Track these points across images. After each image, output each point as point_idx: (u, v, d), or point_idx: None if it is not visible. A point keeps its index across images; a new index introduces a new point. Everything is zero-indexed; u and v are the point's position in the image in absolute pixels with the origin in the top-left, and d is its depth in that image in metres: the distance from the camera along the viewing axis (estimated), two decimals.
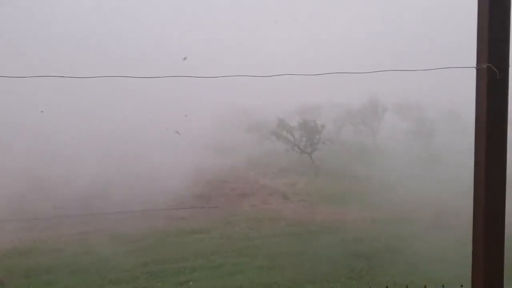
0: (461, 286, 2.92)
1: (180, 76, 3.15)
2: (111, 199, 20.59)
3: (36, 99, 29.23)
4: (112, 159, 28.57)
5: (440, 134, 35.96)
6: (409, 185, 23.05)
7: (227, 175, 26.25)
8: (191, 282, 11.15)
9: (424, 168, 27.16)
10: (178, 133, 24.19)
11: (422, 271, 11.38)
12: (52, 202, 19.65)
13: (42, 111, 24.38)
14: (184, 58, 24.65)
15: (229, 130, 39.94)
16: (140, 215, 18.35)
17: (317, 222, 16.78)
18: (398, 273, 11.29)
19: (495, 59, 2.18)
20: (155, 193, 21.82)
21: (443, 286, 2.82)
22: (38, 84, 23.74)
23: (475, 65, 2.26)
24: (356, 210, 18.59)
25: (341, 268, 11.79)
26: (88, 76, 3.33)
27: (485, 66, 2.18)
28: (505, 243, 2.33)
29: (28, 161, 25.49)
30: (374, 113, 40.01)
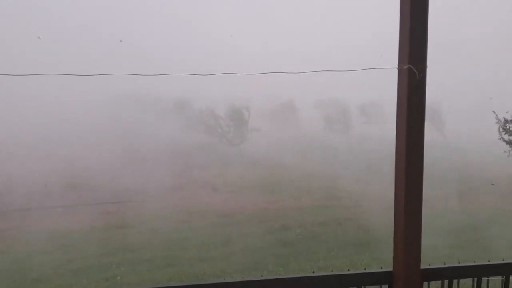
0: (381, 267, 3.20)
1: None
2: (30, 194, 19.45)
3: None
4: (27, 152, 27.04)
5: (360, 127, 38.12)
6: (333, 173, 24.13)
7: (156, 168, 25.79)
8: (118, 277, 10.91)
9: (346, 156, 28.52)
10: None
11: (345, 255, 12.06)
12: None
13: None
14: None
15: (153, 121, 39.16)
16: (63, 210, 17.55)
17: (246, 212, 17.07)
18: (323, 258, 11.87)
19: (415, 61, 2.43)
20: (78, 188, 20.95)
21: (365, 268, 3.11)
22: None
23: (397, 66, 2.50)
24: (283, 199, 19.15)
25: (269, 256, 12.15)
26: None
27: (406, 67, 2.43)
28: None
29: None
30: (296, 108, 41.76)
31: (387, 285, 2.80)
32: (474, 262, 3.19)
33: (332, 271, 3.12)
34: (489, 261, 3.14)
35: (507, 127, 14.45)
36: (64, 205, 18.06)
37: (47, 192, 19.92)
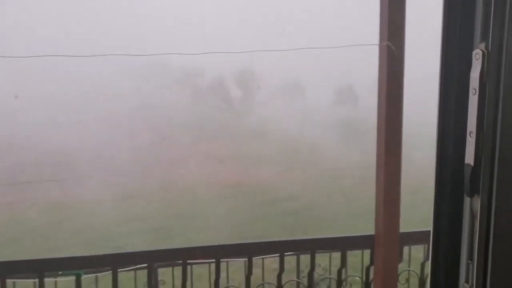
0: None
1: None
2: (41, 167, 19.75)
3: None
4: (42, 121, 27.14)
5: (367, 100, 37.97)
6: (335, 145, 24.16)
7: (160, 140, 25.91)
8: (128, 246, 11.28)
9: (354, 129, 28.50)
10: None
11: (352, 223, 12.30)
12: None
13: None
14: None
15: (161, 92, 39.05)
16: (70, 182, 17.86)
17: (251, 183, 17.30)
18: (327, 227, 12.16)
19: (393, 38, 2.57)
20: (87, 161, 21.18)
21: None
22: None
23: (377, 43, 2.65)
24: (289, 170, 19.33)
25: (274, 225, 12.45)
26: None
27: (385, 44, 2.57)
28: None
29: None
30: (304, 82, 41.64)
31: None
32: None
33: None
34: None
35: None
36: (70, 177, 18.27)
37: (54, 166, 20.17)
